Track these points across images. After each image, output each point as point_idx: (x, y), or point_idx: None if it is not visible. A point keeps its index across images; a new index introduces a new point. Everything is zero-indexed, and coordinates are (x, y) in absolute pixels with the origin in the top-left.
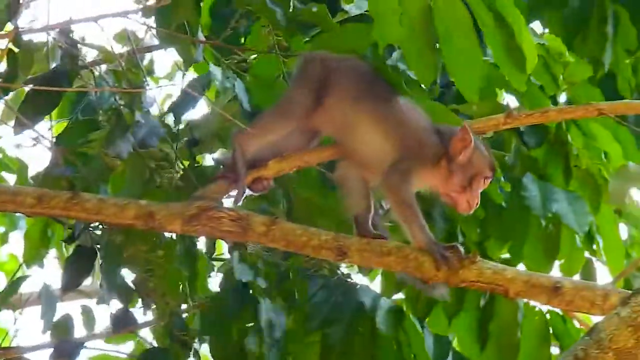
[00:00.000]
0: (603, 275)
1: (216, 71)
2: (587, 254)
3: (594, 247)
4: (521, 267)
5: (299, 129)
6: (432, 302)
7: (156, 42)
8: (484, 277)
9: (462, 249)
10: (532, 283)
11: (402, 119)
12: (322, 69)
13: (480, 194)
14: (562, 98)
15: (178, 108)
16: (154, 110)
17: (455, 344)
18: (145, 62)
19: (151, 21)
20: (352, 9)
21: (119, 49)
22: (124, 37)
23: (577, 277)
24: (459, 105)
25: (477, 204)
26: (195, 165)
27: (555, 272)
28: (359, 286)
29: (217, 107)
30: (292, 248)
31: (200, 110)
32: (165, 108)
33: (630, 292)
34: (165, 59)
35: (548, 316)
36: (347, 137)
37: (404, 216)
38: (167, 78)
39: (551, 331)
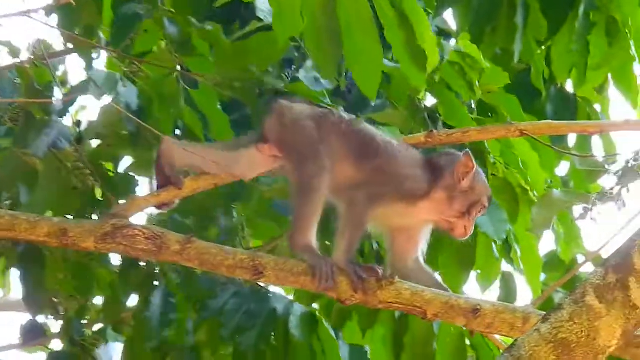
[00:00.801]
0: (523, 288)
1: (100, 73)
2: (506, 265)
3: (511, 255)
4: None
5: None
6: (346, 314)
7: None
8: (402, 299)
9: (380, 270)
10: (450, 305)
11: (386, 159)
12: (317, 129)
13: None
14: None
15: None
16: (67, 121)
17: (369, 355)
18: (60, 73)
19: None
20: (268, 17)
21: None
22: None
23: (496, 286)
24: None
25: (472, 230)
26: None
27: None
28: (271, 294)
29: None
30: (207, 267)
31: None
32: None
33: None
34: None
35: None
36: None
37: (344, 232)
38: None
39: (468, 342)
